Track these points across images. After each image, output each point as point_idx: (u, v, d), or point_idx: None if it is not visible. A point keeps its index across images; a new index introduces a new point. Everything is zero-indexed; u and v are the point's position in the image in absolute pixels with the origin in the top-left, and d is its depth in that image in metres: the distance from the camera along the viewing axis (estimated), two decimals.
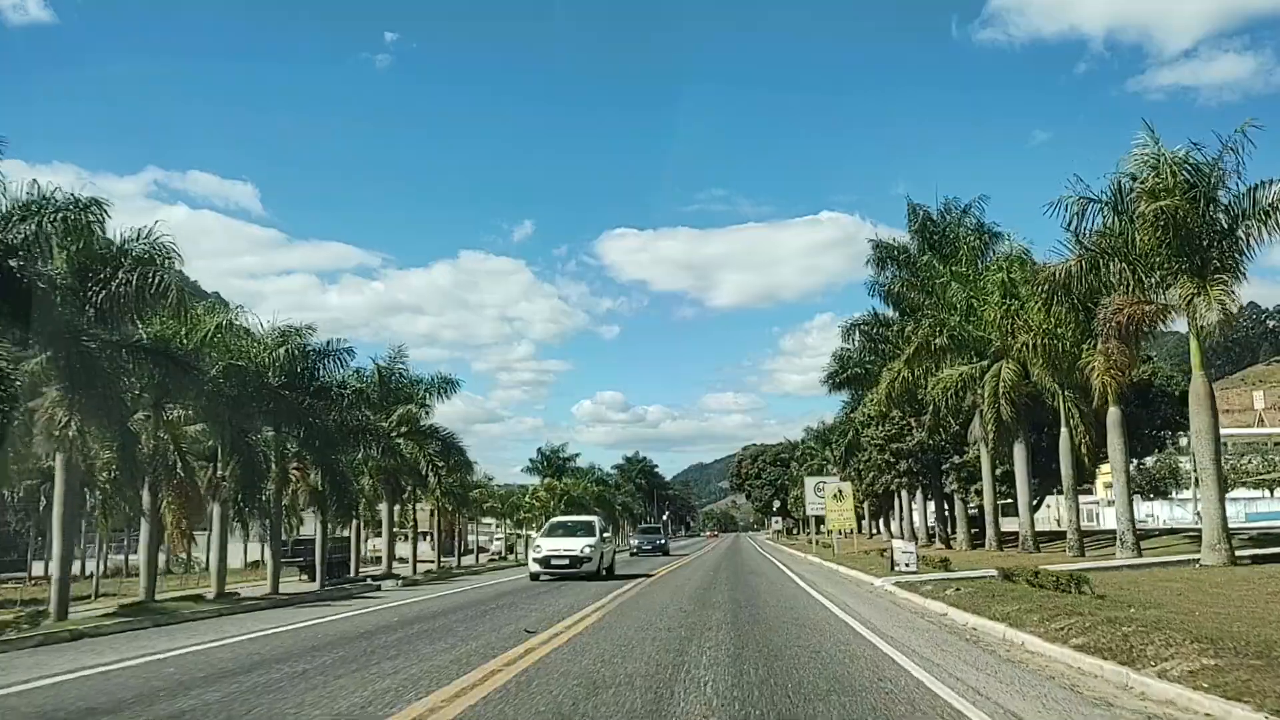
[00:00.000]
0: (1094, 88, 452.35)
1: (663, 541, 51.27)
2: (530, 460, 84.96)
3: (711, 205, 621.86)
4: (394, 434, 38.48)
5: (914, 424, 36.11)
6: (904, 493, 46.18)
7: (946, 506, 40.61)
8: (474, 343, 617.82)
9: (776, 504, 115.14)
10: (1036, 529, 37.50)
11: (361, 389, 34.64)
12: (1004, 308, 26.03)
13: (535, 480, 77.80)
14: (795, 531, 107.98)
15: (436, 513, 49.39)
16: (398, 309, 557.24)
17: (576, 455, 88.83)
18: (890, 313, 39.28)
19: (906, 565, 20.27)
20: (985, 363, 28.63)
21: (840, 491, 34.91)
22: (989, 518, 31.12)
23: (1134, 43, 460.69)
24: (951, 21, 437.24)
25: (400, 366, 40.75)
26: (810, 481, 39.59)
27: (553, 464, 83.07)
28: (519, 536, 68.10)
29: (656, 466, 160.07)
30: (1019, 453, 28.04)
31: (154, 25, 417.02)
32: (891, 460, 37.40)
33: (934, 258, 32.58)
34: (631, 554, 47.02)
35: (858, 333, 40.27)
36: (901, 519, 47.71)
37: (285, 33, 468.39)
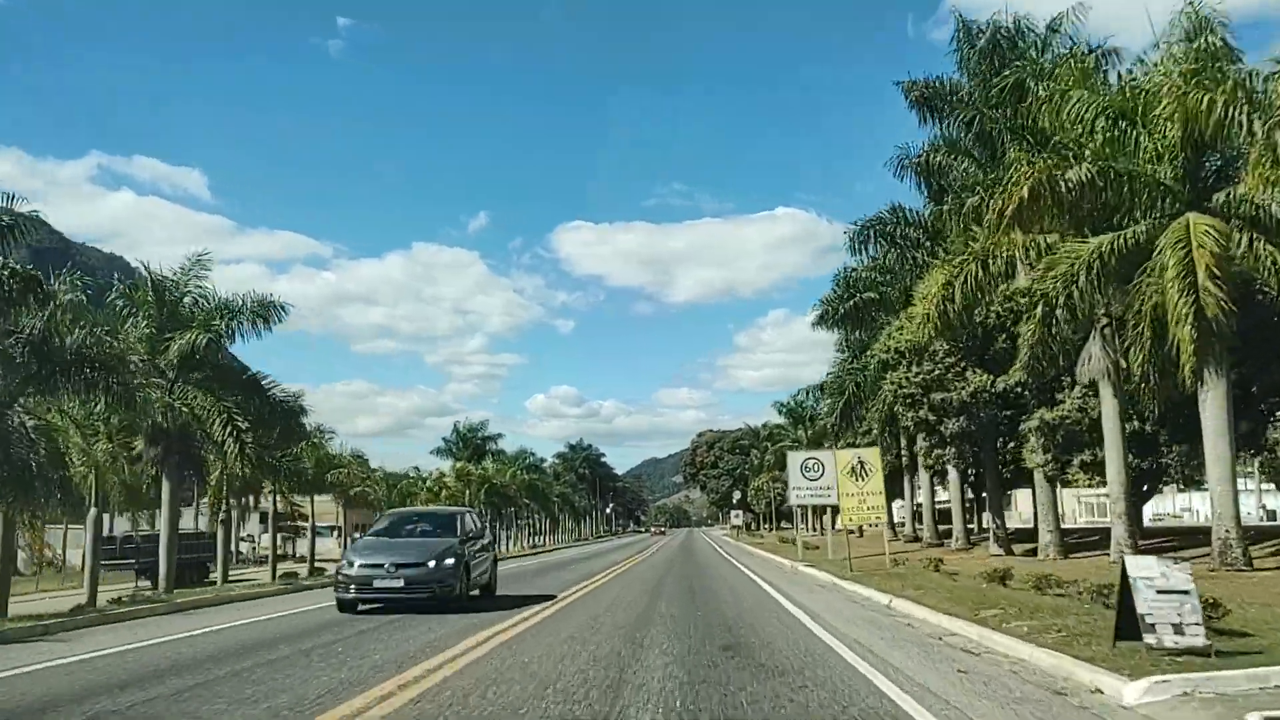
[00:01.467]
0: None
1: (447, 563, 13.34)
2: (444, 440, 70.67)
3: (670, 200, 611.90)
4: (178, 378, 24.99)
5: (965, 366, 23.22)
6: (923, 472, 33.40)
7: (1000, 491, 27.60)
8: (428, 335, 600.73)
9: (736, 495, 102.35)
10: (1143, 524, 24.83)
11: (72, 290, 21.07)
12: (1226, 85, 13.08)
13: (447, 464, 63.91)
14: (755, 526, 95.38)
15: (275, 494, 35.80)
16: (349, 299, 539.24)
17: (499, 435, 74.53)
18: (922, 209, 26.49)
19: (1179, 627, 7.35)
20: (1142, 228, 15.73)
21: (861, 465, 21.49)
22: (1118, 509, 18.26)
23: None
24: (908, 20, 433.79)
25: (199, 285, 26.61)
26: (796, 457, 25.76)
27: (470, 444, 68.93)
28: None
29: (604, 456, 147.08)
30: (1213, 394, 15.00)
31: (112, 11, 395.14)
32: (931, 420, 24.16)
33: (1027, 71, 19.42)
34: (342, 599, 13.36)
35: (874, 236, 27.12)
36: (934, 504, 34.51)
37: (237, 19, 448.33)
